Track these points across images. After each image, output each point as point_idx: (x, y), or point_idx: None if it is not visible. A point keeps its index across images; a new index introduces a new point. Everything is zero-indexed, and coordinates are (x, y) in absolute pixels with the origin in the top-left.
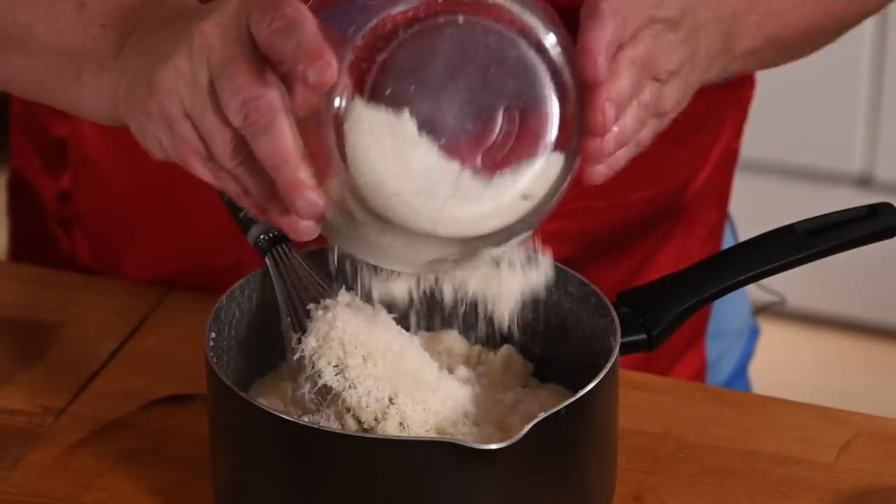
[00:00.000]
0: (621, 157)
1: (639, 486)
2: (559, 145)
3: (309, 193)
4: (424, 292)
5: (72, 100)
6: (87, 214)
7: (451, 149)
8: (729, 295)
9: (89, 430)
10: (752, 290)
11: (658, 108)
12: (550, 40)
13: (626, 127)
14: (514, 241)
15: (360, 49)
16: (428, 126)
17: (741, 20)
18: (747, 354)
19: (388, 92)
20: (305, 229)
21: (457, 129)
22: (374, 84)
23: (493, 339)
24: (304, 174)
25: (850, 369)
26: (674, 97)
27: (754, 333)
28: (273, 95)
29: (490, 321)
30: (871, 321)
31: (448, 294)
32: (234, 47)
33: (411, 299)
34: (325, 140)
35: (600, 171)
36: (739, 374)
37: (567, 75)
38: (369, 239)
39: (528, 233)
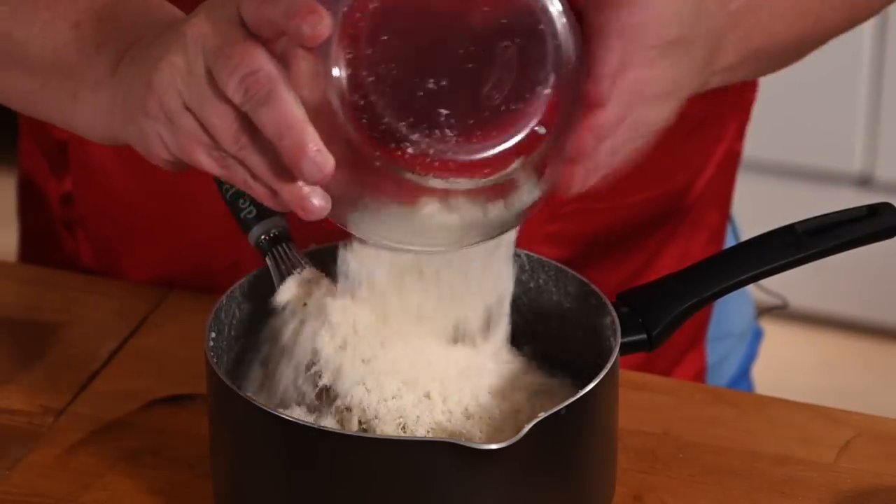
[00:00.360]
0: (591, 178)
1: (639, 486)
2: (555, 94)
3: (316, 155)
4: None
5: (68, 118)
6: (89, 216)
7: (451, 89)
8: (731, 297)
9: (89, 430)
10: (754, 292)
11: (644, 130)
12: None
13: (597, 161)
14: (520, 207)
15: (353, 1)
16: (426, 68)
17: (726, 35)
18: (750, 357)
19: (384, 38)
20: (316, 207)
21: (456, 68)
22: (371, 31)
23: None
24: (309, 137)
25: (850, 369)
26: (662, 118)
27: (757, 336)
28: (271, 68)
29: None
30: (872, 321)
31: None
32: (228, 32)
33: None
34: (327, 105)
35: (570, 190)
36: (742, 377)
37: (564, 31)
38: (376, 209)
39: (534, 196)
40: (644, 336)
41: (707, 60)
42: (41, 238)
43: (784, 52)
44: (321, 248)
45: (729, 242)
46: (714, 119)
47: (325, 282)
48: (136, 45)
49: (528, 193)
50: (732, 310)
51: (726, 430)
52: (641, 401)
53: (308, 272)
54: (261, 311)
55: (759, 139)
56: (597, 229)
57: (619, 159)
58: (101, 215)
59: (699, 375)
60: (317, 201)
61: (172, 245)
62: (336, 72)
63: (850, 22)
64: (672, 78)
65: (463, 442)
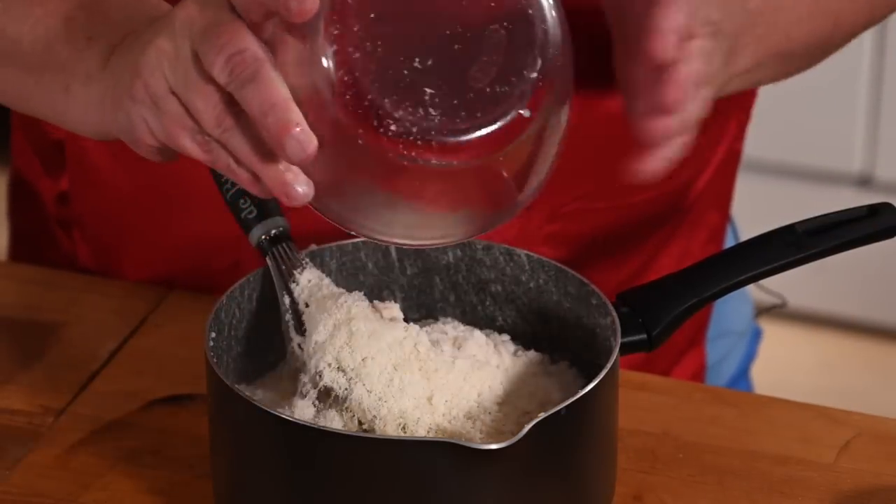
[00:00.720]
0: (667, 156)
1: (639, 486)
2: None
3: (300, 133)
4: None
5: (60, 113)
6: (86, 216)
7: (437, 70)
8: (731, 297)
9: (89, 430)
10: (753, 292)
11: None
12: None
13: (685, 115)
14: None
15: None
16: (413, 47)
17: (744, 36)
18: (749, 357)
19: (371, 15)
20: (300, 194)
21: (443, 48)
22: (359, 8)
23: (491, 319)
24: (294, 115)
25: (850, 369)
26: (701, 107)
27: (756, 336)
28: (257, 48)
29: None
30: (872, 321)
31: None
32: (216, 15)
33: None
34: (313, 86)
35: (656, 164)
36: (741, 377)
37: (552, 16)
38: (361, 197)
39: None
40: (644, 336)
41: (726, 60)
42: (34, 238)
43: (804, 54)
44: (321, 248)
45: (729, 242)
46: (714, 119)
47: (327, 282)
48: (128, 38)
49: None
50: (732, 309)
51: (726, 430)
52: (641, 401)
53: (309, 272)
54: (261, 310)
55: (759, 139)
56: (596, 229)
57: (677, 149)
58: (98, 215)
59: (698, 374)
60: (300, 188)
61: (172, 245)
62: (323, 49)
63: (870, 22)
64: (718, 66)
65: (463, 442)
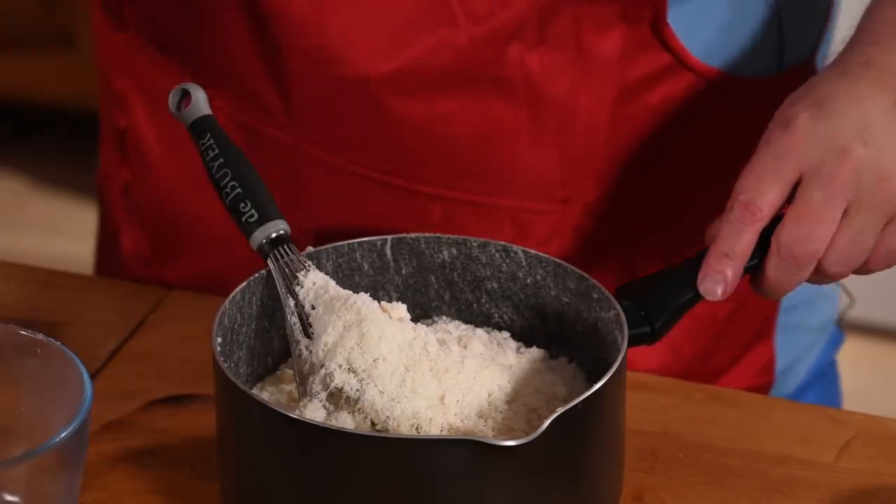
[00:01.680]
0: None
1: (639, 486)
2: None
3: None
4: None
5: None
6: (145, 206)
7: None
8: (810, 291)
9: (89, 430)
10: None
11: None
12: None
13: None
14: None
15: None
16: None
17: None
18: (822, 362)
19: None
20: None
21: None
22: None
23: (487, 316)
24: None
25: (851, 369)
26: (846, 252)
27: (835, 341)
28: None
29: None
30: (872, 321)
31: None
32: None
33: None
34: None
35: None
36: (817, 379)
37: None
38: None
39: None
40: (647, 329)
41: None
42: (112, 229)
43: None
44: (318, 250)
45: None
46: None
47: (332, 284)
48: None
49: None
50: (808, 304)
51: (726, 430)
52: (641, 401)
53: (314, 274)
54: (262, 314)
55: None
56: (597, 194)
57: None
58: (155, 205)
59: (767, 368)
60: None
61: (225, 240)
62: None
63: None
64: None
65: (483, 439)
